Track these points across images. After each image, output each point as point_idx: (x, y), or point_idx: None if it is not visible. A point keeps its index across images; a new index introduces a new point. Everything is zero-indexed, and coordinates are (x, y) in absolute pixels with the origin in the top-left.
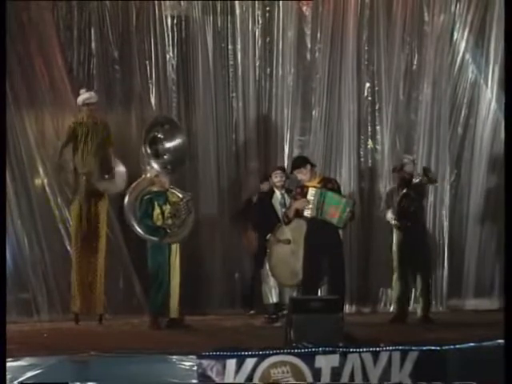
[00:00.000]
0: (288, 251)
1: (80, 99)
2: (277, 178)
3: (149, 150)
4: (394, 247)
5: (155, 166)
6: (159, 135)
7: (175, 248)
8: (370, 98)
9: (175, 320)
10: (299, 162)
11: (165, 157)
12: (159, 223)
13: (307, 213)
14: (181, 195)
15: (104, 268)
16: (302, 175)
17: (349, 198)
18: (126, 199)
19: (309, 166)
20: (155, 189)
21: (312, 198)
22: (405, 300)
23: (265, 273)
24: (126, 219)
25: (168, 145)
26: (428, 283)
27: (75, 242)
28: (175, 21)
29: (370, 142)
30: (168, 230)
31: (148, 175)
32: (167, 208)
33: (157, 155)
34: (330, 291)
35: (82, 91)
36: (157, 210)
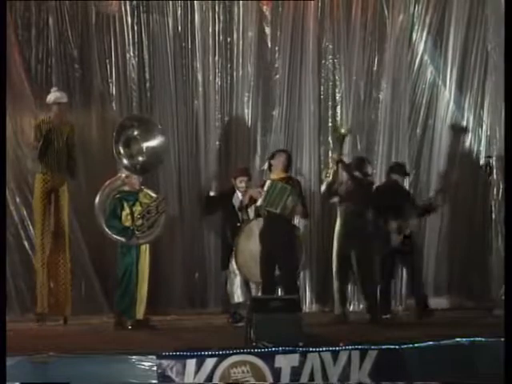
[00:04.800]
0: (257, 249)
1: (51, 98)
2: (242, 184)
3: (121, 150)
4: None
5: (127, 166)
6: (135, 135)
7: (144, 249)
8: (330, 98)
9: (140, 321)
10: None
11: (139, 158)
12: (128, 224)
13: (259, 202)
14: (153, 196)
15: (69, 268)
16: (279, 159)
17: (294, 187)
18: (97, 198)
19: (285, 155)
20: (126, 189)
21: (265, 188)
22: (344, 299)
23: (231, 272)
24: (96, 219)
25: (142, 145)
26: (372, 282)
27: (39, 243)
28: (135, 20)
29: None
30: (136, 231)
31: (122, 175)
32: (137, 209)
33: (130, 155)
34: (283, 290)
35: (53, 90)
36: (126, 211)
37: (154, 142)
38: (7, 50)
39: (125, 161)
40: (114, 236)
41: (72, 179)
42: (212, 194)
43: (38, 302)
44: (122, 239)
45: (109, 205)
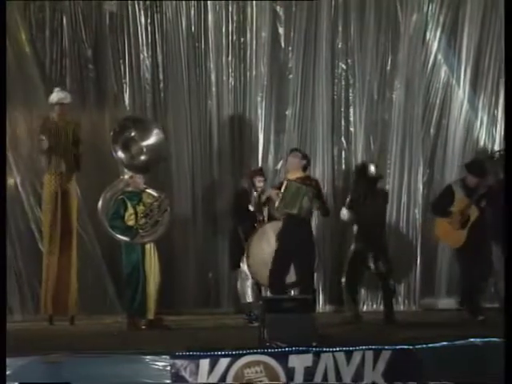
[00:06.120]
0: (270, 251)
1: (54, 98)
2: (260, 184)
3: (121, 151)
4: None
5: (129, 166)
6: (132, 135)
7: (149, 248)
8: (343, 98)
9: (153, 321)
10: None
11: (140, 157)
12: (131, 223)
13: (277, 203)
14: (155, 195)
15: (76, 268)
16: (293, 159)
17: (311, 187)
18: (101, 201)
19: (299, 155)
20: (129, 189)
21: (282, 189)
22: (355, 299)
23: (241, 272)
24: (100, 220)
25: (142, 144)
26: (387, 282)
27: (47, 242)
28: (149, 20)
29: None
30: (140, 230)
31: (125, 176)
32: (141, 208)
33: (131, 156)
34: (299, 291)
35: (56, 90)
36: (130, 211)
37: (152, 140)
38: (21, 49)
39: (126, 161)
40: (118, 236)
41: (78, 171)
42: (252, 208)
43: (43, 302)
44: (126, 239)
45: (112, 206)
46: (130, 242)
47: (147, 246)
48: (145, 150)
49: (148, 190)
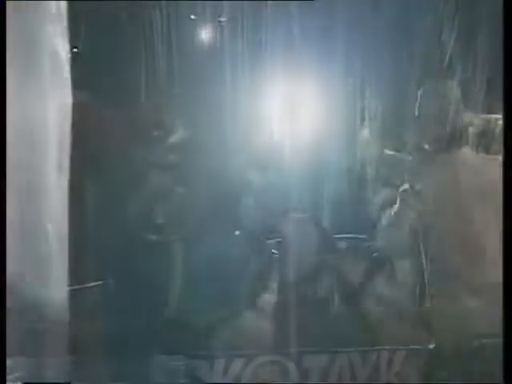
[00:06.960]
0: None
1: (73, 98)
2: None
3: (145, 151)
4: None
5: (155, 165)
6: (155, 134)
7: (174, 249)
8: (358, 99)
9: (169, 320)
10: None
11: (165, 156)
12: (159, 221)
13: None
14: (182, 193)
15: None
16: None
17: None
18: (129, 202)
19: None
20: (157, 187)
21: None
22: None
23: None
24: (129, 221)
25: (166, 143)
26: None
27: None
28: (164, 19)
29: None
30: (166, 228)
31: (149, 175)
32: (167, 207)
33: (156, 155)
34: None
35: (75, 89)
36: (156, 209)
37: (176, 138)
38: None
39: (152, 161)
40: (144, 235)
41: (93, 171)
42: None
43: None
44: (152, 237)
45: (139, 206)
46: (155, 239)
47: (174, 245)
48: (170, 148)
49: (175, 188)
